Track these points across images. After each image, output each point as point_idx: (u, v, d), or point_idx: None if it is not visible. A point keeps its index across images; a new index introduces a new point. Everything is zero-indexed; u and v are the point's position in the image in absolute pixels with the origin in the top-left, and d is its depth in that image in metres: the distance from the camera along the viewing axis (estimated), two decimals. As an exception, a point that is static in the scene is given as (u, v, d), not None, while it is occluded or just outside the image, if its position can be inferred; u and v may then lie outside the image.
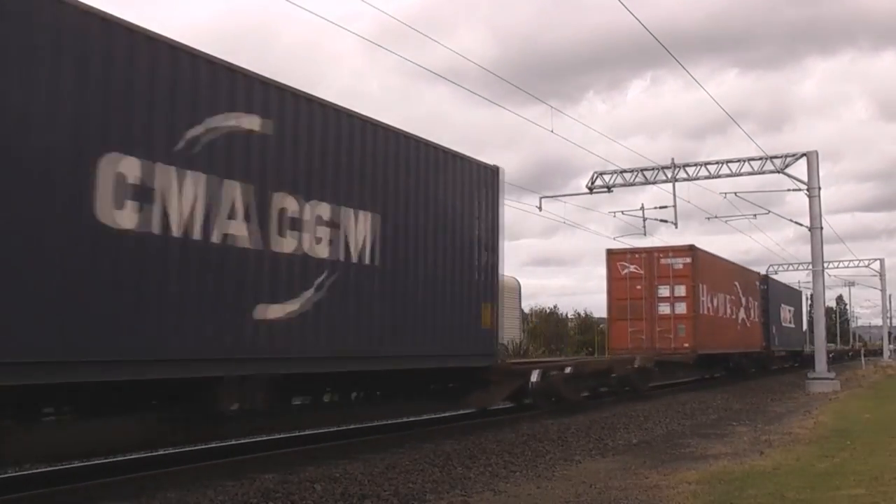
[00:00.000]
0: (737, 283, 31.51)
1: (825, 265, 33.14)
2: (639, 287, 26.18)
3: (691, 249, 26.54)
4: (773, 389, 27.50)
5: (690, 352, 25.82)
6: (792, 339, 44.09)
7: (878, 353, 77.15)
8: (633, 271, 26.26)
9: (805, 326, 58.33)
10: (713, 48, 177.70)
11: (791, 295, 46.24)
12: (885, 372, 43.17)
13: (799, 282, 73.03)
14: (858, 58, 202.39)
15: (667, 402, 20.72)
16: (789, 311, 43.37)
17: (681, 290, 26.07)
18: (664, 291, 26.19)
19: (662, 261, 26.29)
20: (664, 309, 25.98)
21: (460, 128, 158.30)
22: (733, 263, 32.56)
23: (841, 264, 66.81)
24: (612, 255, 26.90)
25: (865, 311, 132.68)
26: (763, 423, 16.07)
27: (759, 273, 37.64)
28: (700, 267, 26.75)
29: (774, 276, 50.76)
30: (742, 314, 32.04)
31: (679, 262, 26.12)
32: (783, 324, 41.14)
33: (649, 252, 26.62)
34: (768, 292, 37.42)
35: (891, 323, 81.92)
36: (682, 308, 26.03)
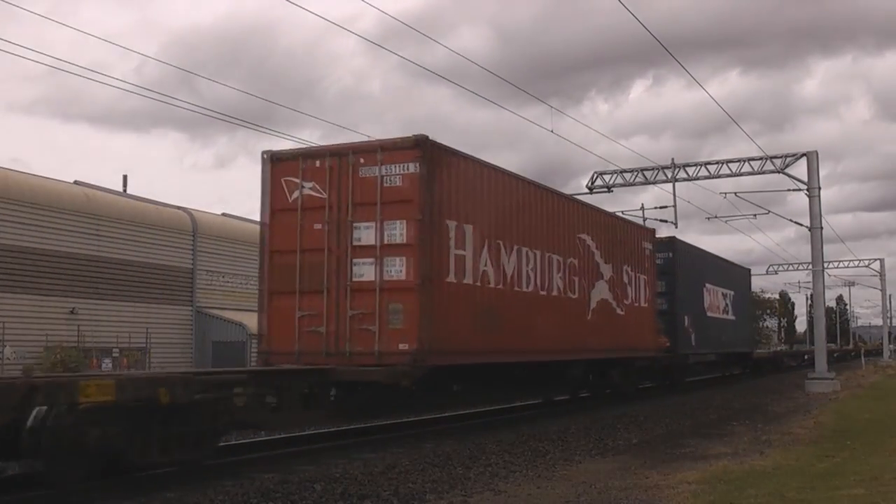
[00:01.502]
0: (588, 239, 18.00)
1: (825, 265, 33.17)
2: (319, 227, 12.88)
3: (418, 147, 12.42)
4: (773, 389, 27.50)
5: (409, 361, 11.95)
6: (729, 337, 32.01)
7: (877, 353, 77.09)
8: (311, 194, 13.03)
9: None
10: (715, 47, 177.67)
11: (728, 272, 33.05)
12: (885, 372, 43.16)
13: (799, 282, 73.33)
14: (861, 57, 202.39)
15: (667, 402, 20.73)
16: (725, 295, 31.67)
17: (395, 231, 12.44)
18: (366, 234, 12.53)
19: (364, 171, 12.62)
20: (363, 271, 12.42)
21: (461, 128, 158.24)
22: (575, 200, 19.11)
23: (841, 264, 66.94)
24: (277, 165, 13.36)
25: (865, 311, 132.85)
26: (763, 422, 16.07)
27: (648, 229, 23.42)
28: (444, 182, 12.80)
29: (775, 274, 49.91)
30: (603, 293, 18.65)
31: (396, 174, 12.49)
32: (710, 314, 29.28)
33: (341, 153, 12.85)
34: (675, 264, 25.06)
35: (891, 323, 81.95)
36: (398, 269, 12.38)
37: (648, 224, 30.22)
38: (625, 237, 20.34)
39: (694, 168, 30.28)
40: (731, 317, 32.49)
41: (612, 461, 10.98)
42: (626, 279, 20.09)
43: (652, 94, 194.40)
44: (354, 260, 12.43)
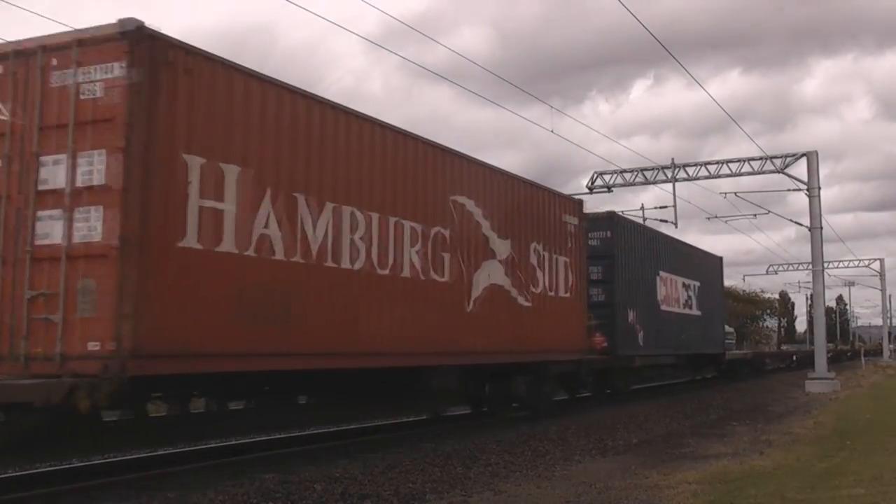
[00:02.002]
0: (470, 204, 13.54)
1: (825, 265, 33.17)
2: None
3: (128, 39, 8.09)
4: (773, 389, 27.51)
5: (100, 369, 7.71)
6: (694, 336, 26.60)
7: (876, 353, 77.06)
8: None
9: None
10: (716, 47, 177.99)
11: (692, 260, 27.60)
12: (885, 372, 43.19)
13: (799, 282, 73.25)
14: (861, 57, 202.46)
15: (667, 402, 20.73)
16: (687, 286, 26.36)
17: (92, 168, 8.13)
18: (55, 173, 8.21)
19: (56, 77, 8.29)
20: (50, 229, 8.12)
21: (462, 128, 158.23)
22: (450, 151, 13.50)
23: (841, 264, 66.89)
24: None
25: (865, 311, 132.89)
26: (763, 422, 16.08)
27: (573, 200, 18.03)
28: (179, 97, 8.40)
29: (775, 274, 48.89)
30: (495, 277, 14.11)
31: (97, 81, 8.20)
32: (666, 308, 23.84)
33: (28, 53, 8.42)
34: (616, 246, 20.22)
35: (891, 323, 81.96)
36: (93, 226, 8.11)
37: (648, 224, 30.06)
38: (534, 207, 15.49)
39: (694, 168, 30.29)
40: (695, 312, 26.97)
41: (612, 461, 10.98)
42: (535, 261, 15.23)
43: (653, 93, 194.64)
44: (39, 213, 8.20)
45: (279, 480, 9.10)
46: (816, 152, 28.59)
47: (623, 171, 31.13)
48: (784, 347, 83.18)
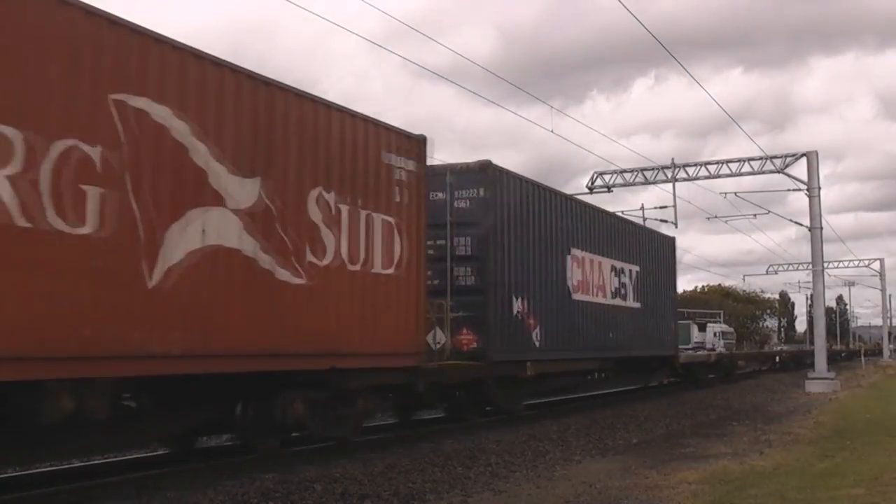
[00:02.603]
0: (164, 113, 8.43)
1: (825, 265, 33.17)
2: None
3: None
4: (773, 389, 27.51)
5: None
6: (631, 335, 21.08)
7: (875, 353, 76.99)
8: None
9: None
10: (717, 47, 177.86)
11: (627, 238, 21.74)
12: (885, 372, 43.19)
13: (799, 282, 73.28)
14: (863, 57, 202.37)
15: (667, 402, 20.73)
16: (620, 271, 20.74)
17: None
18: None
19: None
20: None
21: (463, 128, 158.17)
22: (138, 30, 8.23)
23: (841, 264, 66.94)
24: None
25: (865, 311, 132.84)
26: (763, 422, 16.08)
27: (402, 133, 12.18)
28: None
29: (775, 274, 47.50)
30: (224, 236, 9.03)
31: None
32: (582, 297, 18.21)
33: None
34: (491, 210, 14.75)
35: (891, 323, 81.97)
36: None
37: (648, 224, 29.80)
38: (322, 136, 10.40)
39: (694, 168, 30.31)
40: (631, 304, 21.40)
41: (612, 461, 10.98)
42: (321, 217, 10.23)
43: (653, 93, 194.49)
44: None
45: (279, 480, 9.10)
46: (816, 152, 28.62)
47: (623, 171, 31.15)
48: (780, 347, 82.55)
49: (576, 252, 18.11)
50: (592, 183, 31.43)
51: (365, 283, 11.03)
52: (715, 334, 76.52)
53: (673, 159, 30.54)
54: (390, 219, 11.58)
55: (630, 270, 21.46)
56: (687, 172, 30.22)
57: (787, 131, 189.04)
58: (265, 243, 9.46)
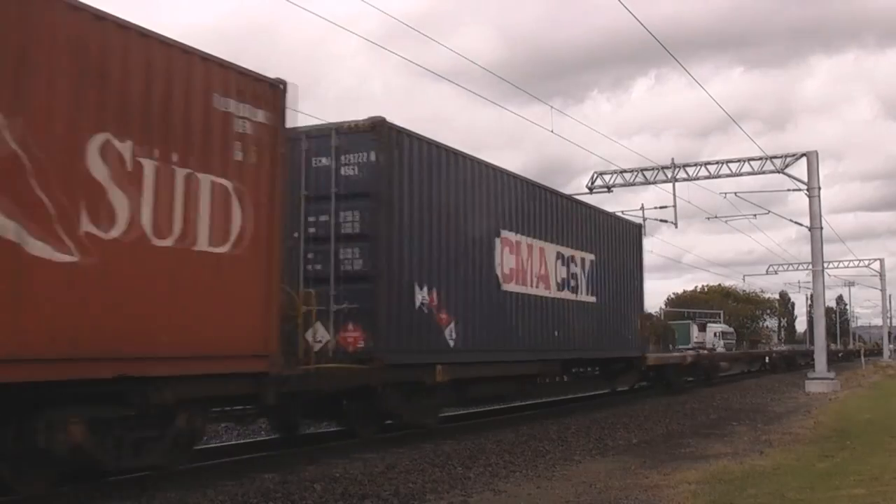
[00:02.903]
0: None
1: (825, 265, 33.17)
2: None
3: None
4: (773, 389, 27.51)
5: None
6: (584, 333, 18.44)
7: (874, 353, 76.97)
8: None
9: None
10: (717, 47, 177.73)
11: (580, 221, 18.82)
12: (885, 372, 43.19)
13: (799, 282, 73.28)
14: (863, 56, 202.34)
15: (667, 402, 20.74)
16: (569, 259, 17.91)
17: None
18: None
19: None
20: None
21: (463, 127, 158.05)
22: None
23: (841, 264, 66.93)
24: None
25: (865, 311, 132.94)
26: (763, 422, 16.08)
27: (256, 77, 9.43)
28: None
29: (775, 274, 46.83)
30: None
31: None
32: (517, 287, 15.49)
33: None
34: (386, 177, 12.04)
35: (891, 323, 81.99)
36: None
37: (649, 224, 29.73)
38: (114, 64, 7.86)
39: (694, 168, 30.31)
40: (587, 298, 18.46)
41: (612, 461, 10.98)
42: (104, 173, 7.73)
43: (654, 93, 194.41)
44: None
45: (279, 480, 9.11)
46: (816, 152, 28.62)
47: (623, 171, 31.14)
48: (779, 347, 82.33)
49: (508, 235, 15.11)
50: (592, 183, 31.43)
51: (181, 263, 8.36)
52: (715, 334, 76.41)
53: (673, 159, 30.56)
54: (226, 182, 8.91)
55: (583, 259, 18.27)
56: (687, 172, 30.22)
57: (787, 131, 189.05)
58: (10, 205, 6.83)
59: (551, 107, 24.51)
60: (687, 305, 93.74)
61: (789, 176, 28.67)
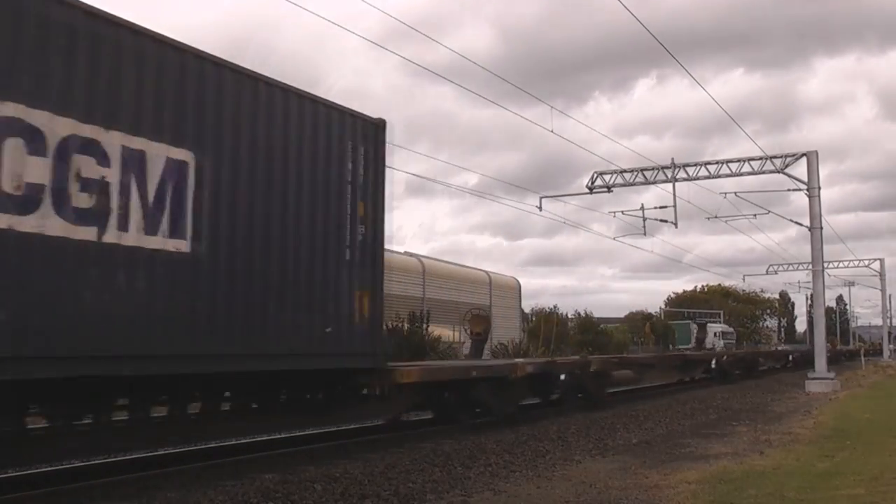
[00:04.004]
0: None
1: (825, 265, 33.17)
2: None
3: None
4: (773, 389, 27.51)
5: None
6: (155, 321, 8.40)
7: (874, 353, 76.90)
8: None
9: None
10: (718, 47, 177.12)
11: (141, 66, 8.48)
12: (885, 372, 43.18)
13: (799, 282, 73.26)
14: (865, 56, 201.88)
15: (667, 402, 20.73)
16: (111, 159, 8.02)
17: None
18: None
19: None
20: None
21: (464, 127, 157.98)
22: None
23: (841, 264, 66.89)
24: None
25: (865, 311, 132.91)
26: (763, 422, 16.07)
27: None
28: None
29: (775, 274, 46.14)
30: None
31: None
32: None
33: None
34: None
35: (891, 323, 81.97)
36: None
37: (649, 224, 29.86)
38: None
39: (694, 168, 30.30)
40: (158, 243, 8.56)
41: (612, 461, 10.98)
42: None
43: (655, 93, 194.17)
44: None
45: (279, 480, 9.11)
46: (816, 152, 28.61)
47: (623, 171, 31.14)
48: (780, 345, 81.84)
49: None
50: (592, 183, 31.42)
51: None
52: (715, 334, 76.34)
53: (673, 159, 30.55)
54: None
55: (144, 157, 8.50)
56: (687, 172, 30.22)
57: (789, 131, 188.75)
58: None
59: (551, 107, 24.54)
60: (687, 305, 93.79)
61: (789, 176, 28.67)
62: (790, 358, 48.87)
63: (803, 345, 72.00)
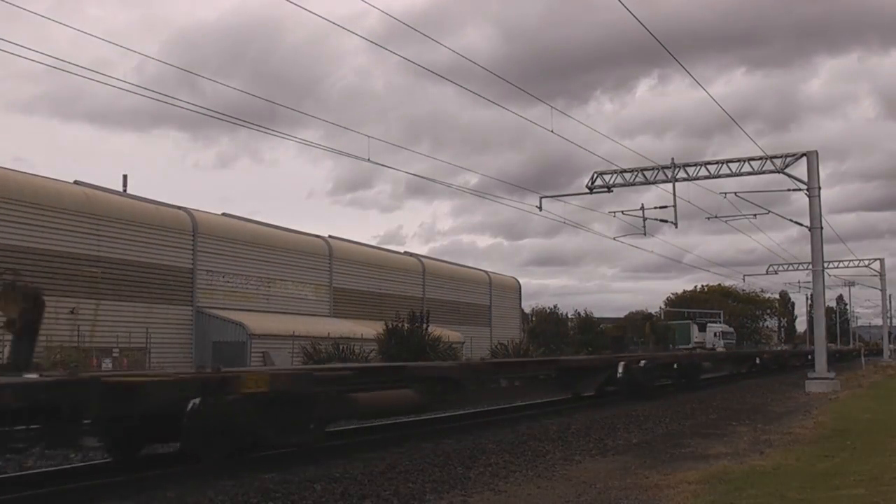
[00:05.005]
0: None
1: (825, 265, 33.16)
2: None
3: None
4: (773, 389, 27.51)
5: None
6: None
7: (874, 353, 76.84)
8: None
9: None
10: (720, 46, 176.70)
11: None
12: (885, 372, 43.16)
13: (799, 282, 73.25)
14: (866, 56, 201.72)
15: (667, 402, 20.72)
16: None
17: None
18: None
19: None
20: None
21: (465, 127, 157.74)
22: None
23: (841, 264, 66.89)
24: None
25: (866, 311, 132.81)
26: (763, 423, 16.07)
27: None
28: None
29: (775, 274, 46.10)
30: None
31: None
32: None
33: None
34: None
35: (891, 323, 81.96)
36: None
37: (649, 224, 29.94)
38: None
39: (694, 168, 30.29)
40: None
41: (612, 461, 10.97)
42: None
43: (656, 93, 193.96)
44: None
45: (279, 480, 9.11)
46: (816, 152, 28.60)
47: (623, 171, 31.12)
48: (785, 346, 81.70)
49: None
50: (592, 183, 31.40)
51: None
52: (715, 334, 76.15)
53: (673, 159, 30.54)
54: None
55: None
56: (687, 172, 30.20)
57: (790, 131, 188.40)
58: None
59: (552, 107, 24.53)
60: (687, 305, 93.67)
61: (789, 176, 28.66)
62: (756, 361, 41.90)
63: (786, 345, 71.11)
